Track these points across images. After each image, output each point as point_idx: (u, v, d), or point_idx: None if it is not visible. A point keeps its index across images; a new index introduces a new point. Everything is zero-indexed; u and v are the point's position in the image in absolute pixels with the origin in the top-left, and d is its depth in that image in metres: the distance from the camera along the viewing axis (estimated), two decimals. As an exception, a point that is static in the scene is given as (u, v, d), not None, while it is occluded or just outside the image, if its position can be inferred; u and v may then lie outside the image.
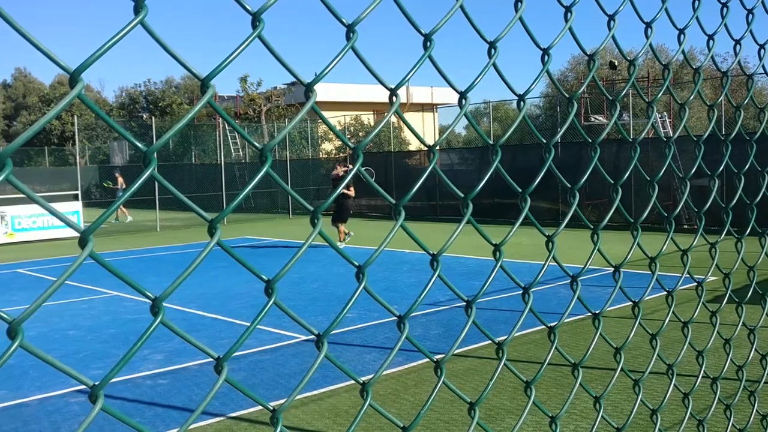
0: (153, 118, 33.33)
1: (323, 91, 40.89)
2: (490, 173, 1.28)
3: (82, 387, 6.49)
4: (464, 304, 1.30)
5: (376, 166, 26.33)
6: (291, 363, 7.13)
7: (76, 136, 25.86)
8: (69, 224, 0.72)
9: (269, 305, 0.89)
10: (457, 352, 7.04)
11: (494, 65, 1.23)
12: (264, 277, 0.90)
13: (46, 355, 0.69)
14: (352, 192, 16.91)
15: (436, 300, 9.71)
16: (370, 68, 1.01)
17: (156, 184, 23.28)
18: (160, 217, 23.83)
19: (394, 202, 1.09)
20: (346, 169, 16.77)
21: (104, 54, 0.69)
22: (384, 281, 11.69)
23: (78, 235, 0.72)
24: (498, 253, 1.31)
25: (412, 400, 5.95)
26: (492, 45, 1.21)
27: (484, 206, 21.29)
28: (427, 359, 5.66)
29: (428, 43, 1.09)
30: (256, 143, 0.89)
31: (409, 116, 39.98)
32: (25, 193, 0.69)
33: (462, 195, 1.20)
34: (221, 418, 5.66)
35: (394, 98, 1.08)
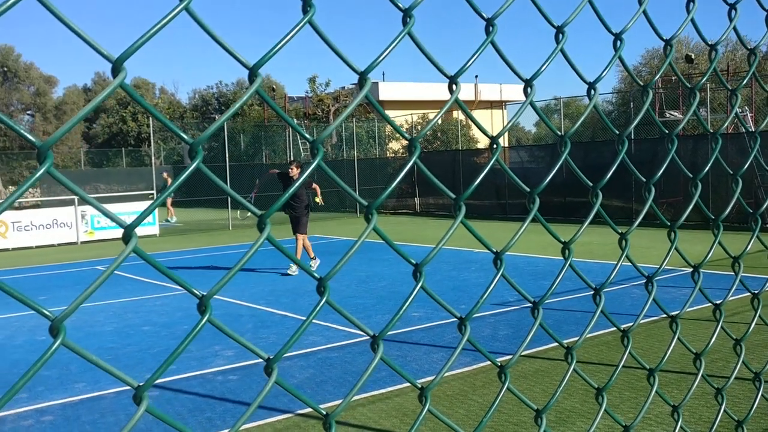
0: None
1: (391, 90, 40.99)
2: (559, 165, 1.22)
3: (157, 381, 6.65)
4: (528, 306, 1.24)
5: (443, 164, 26.21)
6: (359, 361, 7.13)
7: (151, 138, 26.66)
8: (113, 219, 0.71)
9: (321, 304, 0.85)
10: (526, 353, 6.91)
11: (562, 51, 1.16)
12: (316, 275, 0.87)
13: (90, 354, 0.67)
14: (317, 188, 14.63)
15: (505, 300, 9.56)
16: (427, 54, 0.96)
17: (228, 183, 23.75)
18: (232, 216, 24.33)
19: (454, 197, 1.04)
20: (299, 169, 13.83)
21: (146, 44, 0.67)
22: (451, 280, 11.60)
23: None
24: (567, 251, 1.24)
25: (480, 401, 5.86)
26: (560, 30, 1.14)
27: (554, 204, 20.87)
28: (497, 359, 5.56)
29: (490, 29, 1.04)
30: (307, 135, 0.86)
31: (477, 114, 39.66)
32: (67, 186, 0.68)
33: (528, 190, 1.14)
34: (289, 415, 5.70)
35: (453, 87, 1.03)
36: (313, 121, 37.88)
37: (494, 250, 1.11)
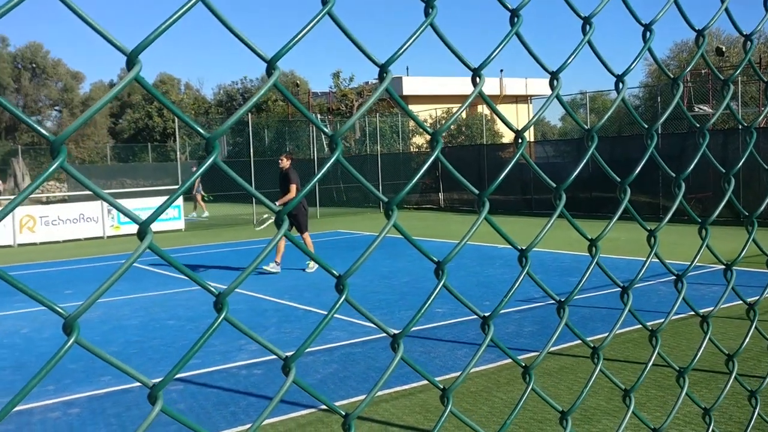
0: (249, 114, 34.22)
1: (414, 85, 40.90)
2: (585, 160, 1.19)
3: (182, 375, 6.70)
4: (558, 302, 1.21)
5: (467, 159, 26.10)
6: (382, 356, 7.13)
7: (177, 133, 26.88)
8: (128, 215, 0.70)
9: (340, 302, 0.84)
10: (551, 349, 6.85)
11: (589, 43, 1.13)
12: (335, 272, 0.85)
13: (104, 353, 0.66)
14: (293, 191, 12.89)
15: (530, 296, 9.50)
16: (450, 46, 0.94)
17: (252, 178, 23.89)
18: (257, 211, 24.46)
19: (477, 192, 1.01)
20: (290, 160, 13.13)
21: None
22: (475, 276, 11.55)
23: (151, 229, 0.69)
24: (594, 248, 1.21)
25: (504, 398, 5.82)
26: (587, 21, 1.11)
27: (581, 200, 20.66)
28: (521, 357, 5.51)
29: (515, 19, 1.01)
30: (326, 130, 0.84)
31: (502, 108, 39.37)
32: (81, 182, 0.67)
33: (554, 185, 1.11)
34: (312, 410, 5.71)
35: (477, 80, 1.00)
36: (336, 116, 37.93)
37: (519, 248, 1.08)
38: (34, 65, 52.13)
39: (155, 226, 21.56)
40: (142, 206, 21.53)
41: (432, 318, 8.54)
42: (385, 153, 30.50)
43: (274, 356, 5.48)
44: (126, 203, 21.69)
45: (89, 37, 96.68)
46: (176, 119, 26.90)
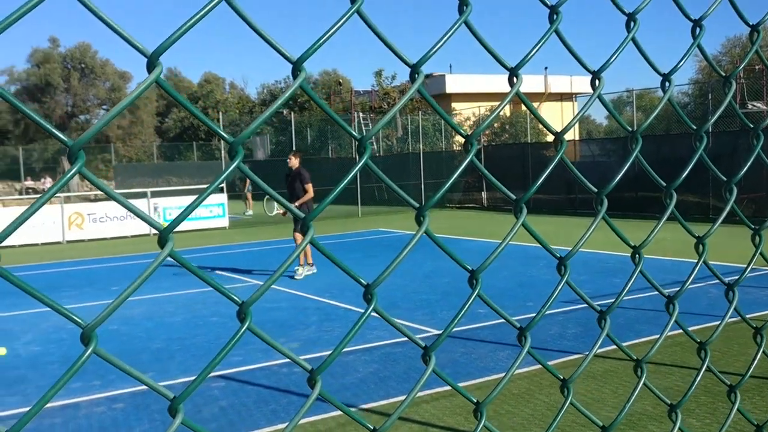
0: (292, 113, 34.49)
1: (458, 83, 40.70)
2: (629, 163, 1.14)
3: (223, 372, 6.77)
4: (603, 304, 1.16)
5: (511, 158, 25.86)
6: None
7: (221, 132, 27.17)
8: (148, 222, 0.68)
9: (368, 313, 0.81)
10: (597, 352, 6.71)
11: (634, 40, 1.08)
12: (363, 281, 0.83)
13: (124, 364, 0.64)
14: (310, 191, 12.30)
15: (574, 297, 9.35)
16: (486, 45, 0.90)
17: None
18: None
19: (514, 198, 0.98)
20: (298, 159, 12.60)
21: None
22: (518, 276, 11.42)
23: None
24: (637, 256, 1.16)
25: (546, 401, 5.74)
26: (631, 17, 1.07)
27: (627, 200, 20.24)
28: (563, 359, 5.41)
29: (554, 17, 0.97)
30: (353, 132, 0.81)
31: (546, 106, 38.98)
32: (98, 186, 0.65)
33: (595, 190, 1.06)
34: (352, 409, 5.70)
35: (515, 79, 0.97)
36: (378, 114, 37.97)
37: (558, 256, 1.04)
38: (83, 65, 53.38)
39: (199, 224, 21.93)
40: (187, 204, 21.87)
41: (474, 318, 8.47)
42: (428, 151, 30.40)
43: (315, 354, 5.52)
44: (171, 201, 22.08)
45: (136, 38, 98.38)
46: (220, 119, 27.25)
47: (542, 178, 1.05)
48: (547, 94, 39.89)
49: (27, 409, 4.72)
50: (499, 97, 37.67)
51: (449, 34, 0.85)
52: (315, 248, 0.81)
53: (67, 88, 52.84)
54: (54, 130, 0.61)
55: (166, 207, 21.79)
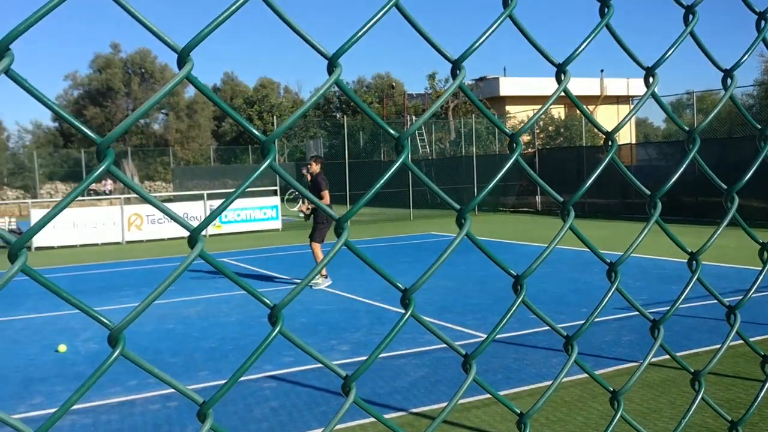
0: (345, 117, 34.70)
1: (512, 85, 40.33)
2: (685, 164, 1.08)
3: (275, 372, 6.82)
4: (660, 312, 1.11)
5: (566, 161, 25.47)
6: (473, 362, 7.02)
7: (276, 136, 27.50)
8: (179, 222, 0.67)
9: (405, 319, 0.78)
10: (653, 360, 6.53)
11: (692, 34, 1.03)
12: (400, 285, 0.80)
13: (153, 367, 0.63)
14: (326, 198, 12.14)
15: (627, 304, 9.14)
16: (533, 42, 0.87)
17: (347, 179, 24.18)
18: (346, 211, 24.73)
19: (561, 200, 0.94)
20: (319, 165, 12.24)
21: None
22: (572, 282, 11.22)
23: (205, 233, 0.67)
24: (695, 263, 1.10)
25: (600, 409, 5.60)
26: (689, 10, 1.01)
27: (686, 205, 19.67)
28: (618, 367, 5.27)
29: (606, 10, 0.93)
30: (392, 131, 0.79)
31: (603, 109, 38.28)
32: (128, 185, 0.64)
33: (648, 192, 1.01)
34: (402, 413, 5.68)
35: (562, 76, 0.93)
36: (431, 117, 37.87)
37: (608, 262, 1.00)
38: (143, 70, 54.78)
39: (253, 226, 22.24)
40: (243, 206, 22.20)
41: (527, 324, 8.35)
42: (481, 155, 30.19)
43: (365, 357, 5.49)
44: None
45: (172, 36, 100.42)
46: (274, 122, 27.58)
47: (591, 180, 1.00)
48: (603, 97, 39.19)
49: (85, 405, 4.80)
50: (578, 109, 37.17)
51: (492, 28, 0.82)
52: (351, 251, 0.79)
53: (127, 93, 54.28)
54: (83, 128, 0.61)
55: (229, 209, 22.17)
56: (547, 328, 6.97)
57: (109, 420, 5.73)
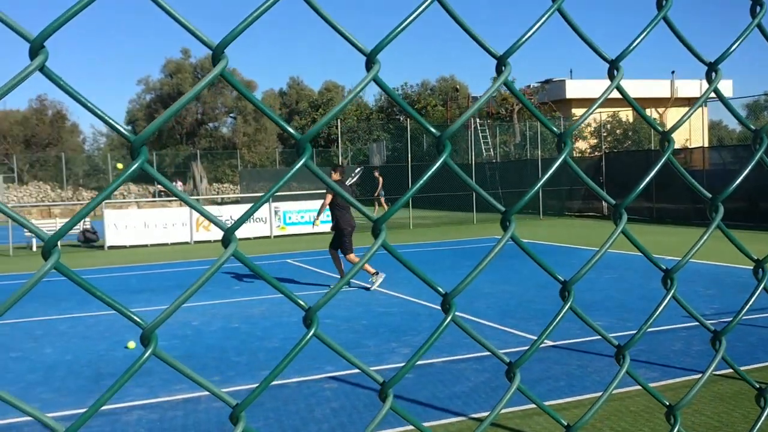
0: (408, 120, 34.71)
1: (578, 88, 39.62)
2: (752, 165, 1.03)
3: (336, 373, 6.86)
4: (726, 320, 1.05)
5: (634, 164, 24.84)
6: (535, 369, 6.90)
7: (339, 139, 27.80)
8: (213, 222, 0.66)
9: (446, 323, 0.76)
10: (726, 372, 6.29)
11: (759, 26, 0.97)
12: (441, 289, 0.78)
13: (185, 367, 0.63)
14: (326, 201, 12.11)
15: (701, 312, 8.82)
16: (585, 37, 0.83)
17: (410, 182, 24.19)
18: (413, 215, 24.72)
19: (614, 203, 0.90)
20: (339, 175, 12.17)
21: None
22: (640, 289, 10.92)
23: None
24: (761, 271, 1.04)
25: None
26: (757, 1, 0.95)
27: (762, 210, 18.88)
28: (686, 378, 5.08)
29: (664, 2, 0.88)
30: (433, 129, 0.77)
31: (674, 111, 37.21)
32: (162, 183, 0.64)
33: (709, 195, 0.96)
34: (462, 418, 5.63)
35: (615, 72, 0.89)
36: (496, 120, 37.55)
37: (664, 268, 0.95)
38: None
39: (317, 227, 22.44)
40: (306, 208, 22.47)
41: (591, 330, 8.17)
42: (547, 158, 29.74)
43: (426, 361, 5.48)
44: (291, 205, 22.76)
45: (261, 48, 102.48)
46: (338, 126, 27.82)
47: (645, 181, 0.96)
48: (673, 99, 38.10)
49: (151, 400, 4.92)
50: (621, 102, 36.35)
51: (539, 23, 0.78)
52: (389, 253, 0.77)
53: (197, 97, 55.66)
54: (117, 125, 0.61)
55: (287, 211, 22.48)
56: (614, 334, 6.79)
57: (175, 416, 5.86)
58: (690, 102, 37.26)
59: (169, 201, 39.02)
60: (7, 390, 5.65)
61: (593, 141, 33.68)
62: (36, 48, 0.53)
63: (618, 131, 33.38)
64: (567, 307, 0.87)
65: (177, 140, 56.10)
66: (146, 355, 0.63)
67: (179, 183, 47.78)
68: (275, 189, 0.69)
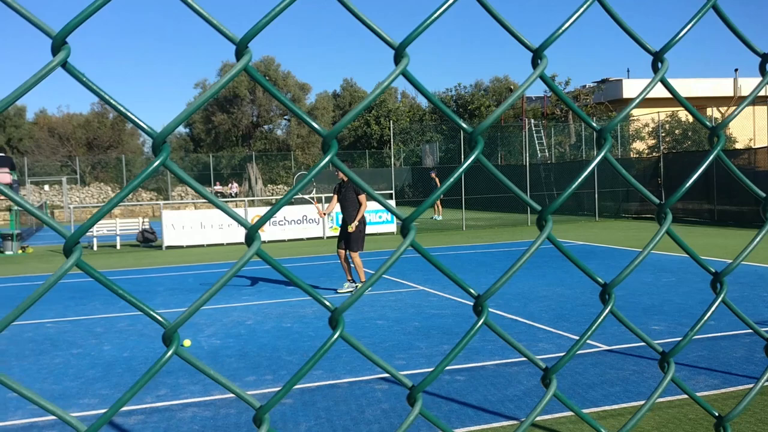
0: (462, 120, 34.55)
1: (636, 88, 38.78)
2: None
3: (387, 375, 6.86)
4: (767, 340, 1.00)
5: (693, 166, 24.16)
6: (590, 373, 6.77)
7: (392, 140, 27.84)
8: (237, 220, 0.66)
9: (479, 325, 0.73)
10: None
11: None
12: (473, 292, 0.75)
13: (209, 368, 0.62)
14: (364, 203, 11.69)
15: (764, 318, 8.53)
16: (622, 24, 0.79)
17: (462, 183, 24.02)
18: (466, 217, 24.57)
19: (658, 202, 0.86)
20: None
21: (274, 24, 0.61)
22: (700, 293, 10.61)
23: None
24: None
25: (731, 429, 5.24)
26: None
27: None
28: (748, 386, 4.92)
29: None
30: (464, 125, 0.74)
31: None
32: (184, 180, 0.64)
33: (763, 195, 0.91)
34: (514, 422, 5.56)
35: (659, 65, 0.85)
36: (551, 121, 37.06)
37: (713, 271, 0.90)
38: (267, 77, 56.81)
39: (369, 229, 22.50)
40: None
41: (648, 335, 7.93)
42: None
43: (477, 364, 5.42)
44: (344, 206, 22.91)
45: (315, 51, 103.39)
46: (391, 127, 27.86)
47: (692, 181, 0.91)
48: (736, 98, 36.97)
49: (205, 398, 4.99)
50: (679, 102, 35.45)
51: (577, 14, 0.75)
52: (420, 254, 0.75)
53: (252, 100, 56.53)
54: (140, 122, 0.61)
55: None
56: (669, 340, 6.63)
57: (228, 414, 5.94)
58: (755, 100, 36.07)
59: (226, 202, 39.72)
60: (69, 385, 5.82)
61: (651, 141, 32.92)
62: (57, 44, 0.53)
63: (677, 131, 32.55)
64: (607, 310, 0.84)
65: (233, 142, 57.07)
66: (168, 355, 0.63)
67: (234, 184, 48.57)
68: (300, 187, 0.68)
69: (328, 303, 0.73)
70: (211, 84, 58.98)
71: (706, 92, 38.42)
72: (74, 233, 0.55)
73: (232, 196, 45.95)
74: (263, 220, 0.65)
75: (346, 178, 11.67)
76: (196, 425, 5.68)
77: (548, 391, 0.80)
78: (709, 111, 32.80)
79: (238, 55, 0.63)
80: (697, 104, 36.00)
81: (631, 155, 32.15)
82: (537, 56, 0.76)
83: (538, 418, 5.60)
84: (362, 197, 11.62)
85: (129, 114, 0.57)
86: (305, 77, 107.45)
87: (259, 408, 0.69)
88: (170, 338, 0.59)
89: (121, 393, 6.63)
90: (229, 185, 48.97)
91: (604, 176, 27.05)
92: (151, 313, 0.63)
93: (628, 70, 41.00)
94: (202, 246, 21.25)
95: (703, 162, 0.92)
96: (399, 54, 0.70)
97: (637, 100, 0.94)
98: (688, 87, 37.80)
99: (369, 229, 22.43)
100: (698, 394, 5.82)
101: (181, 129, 63.07)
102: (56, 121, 58.00)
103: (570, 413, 5.58)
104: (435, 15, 0.67)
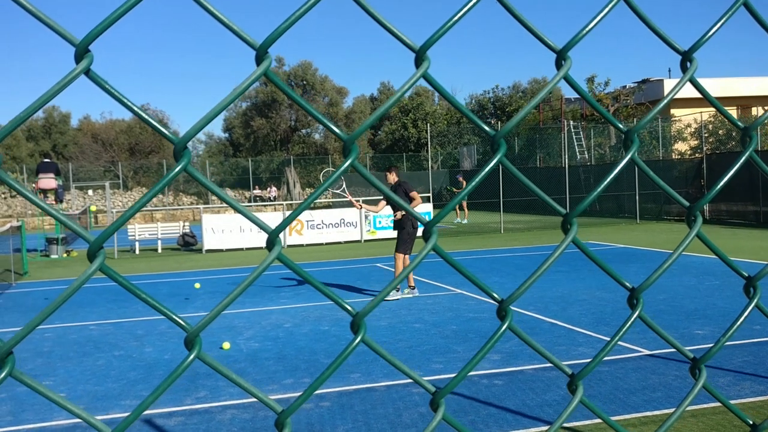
0: (500, 123, 34.36)
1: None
2: None
3: (426, 378, 6.82)
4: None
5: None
6: (631, 377, 6.66)
7: (429, 143, 27.80)
8: (258, 224, 0.66)
9: (503, 330, 0.72)
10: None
11: None
12: (497, 296, 0.74)
13: (230, 372, 0.62)
14: (417, 199, 11.39)
15: (811, 322, 8.29)
16: (650, 24, 0.78)
17: (501, 186, 23.87)
18: (504, 219, 24.40)
19: (687, 204, 0.84)
20: (394, 176, 11.75)
21: (293, 28, 0.61)
22: (744, 298, 10.37)
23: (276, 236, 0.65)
24: None
25: (773, 436, 5.11)
26: None
27: None
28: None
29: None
30: (486, 127, 0.74)
31: (782, 109, 35.10)
32: (204, 184, 0.64)
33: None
34: (544, 427, 5.50)
35: (688, 64, 0.83)
36: (590, 122, 36.61)
37: (745, 275, 0.88)
38: (304, 82, 57.27)
39: (391, 233, 22.51)
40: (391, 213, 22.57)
41: (691, 339, 7.83)
42: (644, 160, 28.71)
43: (516, 368, 5.38)
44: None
45: (352, 56, 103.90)
46: (428, 130, 27.83)
47: (723, 182, 0.89)
48: (781, 97, 36.09)
49: (244, 400, 5.03)
50: (724, 102, 34.70)
51: (603, 13, 0.74)
52: (442, 258, 0.74)
53: (290, 104, 56.99)
54: (161, 128, 0.62)
55: (376, 215, 22.64)
56: (712, 345, 6.50)
57: (267, 416, 5.98)
58: (801, 99, 35.16)
59: (264, 206, 40.08)
60: (111, 387, 5.92)
61: (694, 142, 32.30)
62: (80, 52, 0.54)
63: (720, 131, 31.88)
64: (635, 315, 0.82)
65: (271, 146, 57.59)
66: (189, 359, 0.63)
67: (273, 188, 49.01)
68: (319, 192, 0.68)
69: (349, 308, 0.73)
70: (250, 90, 59.67)
71: (751, 91, 37.57)
72: (97, 239, 0.56)
73: (271, 200, 46.37)
74: (284, 224, 0.66)
75: (393, 181, 11.62)
76: (235, 427, 5.74)
77: (574, 398, 0.79)
78: (754, 110, 32.07)
79: (258, 60, 0.63)
80: (741, 104, 35.23)
81: (673, 156, 31.58)
82: (561, 57, 0.75)
83: (578, 423, 5.53)
84: (413, 193, 11.33)
85: (150, 120, 0.58)
86: (342, 81, 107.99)
87: (281, 412, 0.69)
88: (192, 342, 0.60)
89: (163, 395, 6.73)
90: (268, 189, 49.44)
91: (645, 178, 26.59)
92: (174, 317, 0.64)
93: (669, 70, 40.31)
94: (241, 249, 21.47)
95: (735, 163, 0.90)
96: (420, 57, 0.69)
97: (665, 101, 0.92)
98: (730, 86, 36.97)
99: (390, 234, 22.42)
100: (743, 400, 5.71)
101: (220, 134, 63.80)
102: (99, 127, 59.28)
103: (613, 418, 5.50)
104: (456, 17, 0.66)
